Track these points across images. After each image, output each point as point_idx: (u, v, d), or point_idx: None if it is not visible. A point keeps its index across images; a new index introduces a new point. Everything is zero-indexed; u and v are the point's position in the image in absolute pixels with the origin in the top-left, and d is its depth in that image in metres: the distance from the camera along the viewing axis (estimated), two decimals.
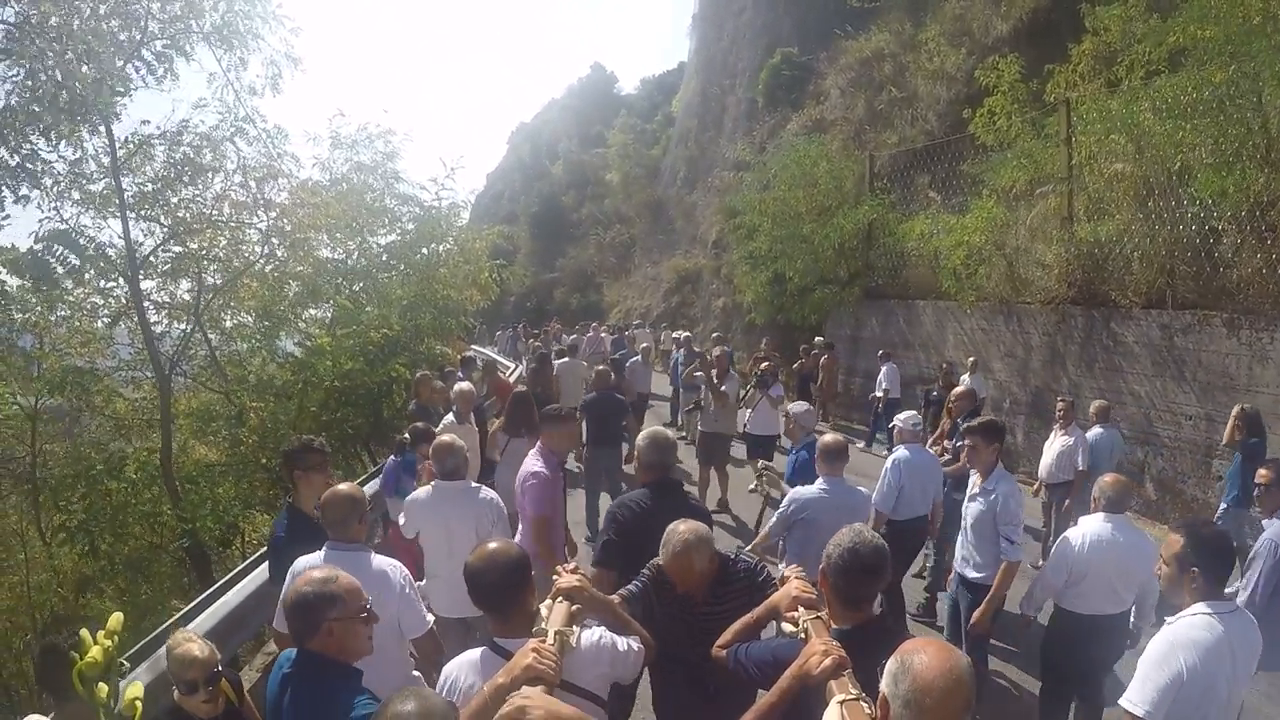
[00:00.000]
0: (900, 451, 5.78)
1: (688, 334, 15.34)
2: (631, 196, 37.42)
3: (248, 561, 5.74)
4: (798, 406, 6.65)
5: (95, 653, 2.61)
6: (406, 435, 6.31)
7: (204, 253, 10.06)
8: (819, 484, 4.75)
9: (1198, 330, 8.85)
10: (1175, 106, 9.16)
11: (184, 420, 10.28)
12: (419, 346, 11.44)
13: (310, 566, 3.10)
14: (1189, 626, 2.67)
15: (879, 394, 12.61)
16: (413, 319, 11.59)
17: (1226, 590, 4.20)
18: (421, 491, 4.54)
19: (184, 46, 9.32)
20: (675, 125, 36.61)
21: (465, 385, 7.61)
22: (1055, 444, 7.72)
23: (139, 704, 2.69)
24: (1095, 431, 7.63)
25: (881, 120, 18.44)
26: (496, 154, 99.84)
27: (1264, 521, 4.38)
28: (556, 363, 11.52)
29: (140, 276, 9.46)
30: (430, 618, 3.53)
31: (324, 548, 3.41)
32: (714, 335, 15.40)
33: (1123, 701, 2.70)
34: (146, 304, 9.83)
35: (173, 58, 9.34)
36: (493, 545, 2.51)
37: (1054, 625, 4.33)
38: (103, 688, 2.62)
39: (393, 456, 6.49)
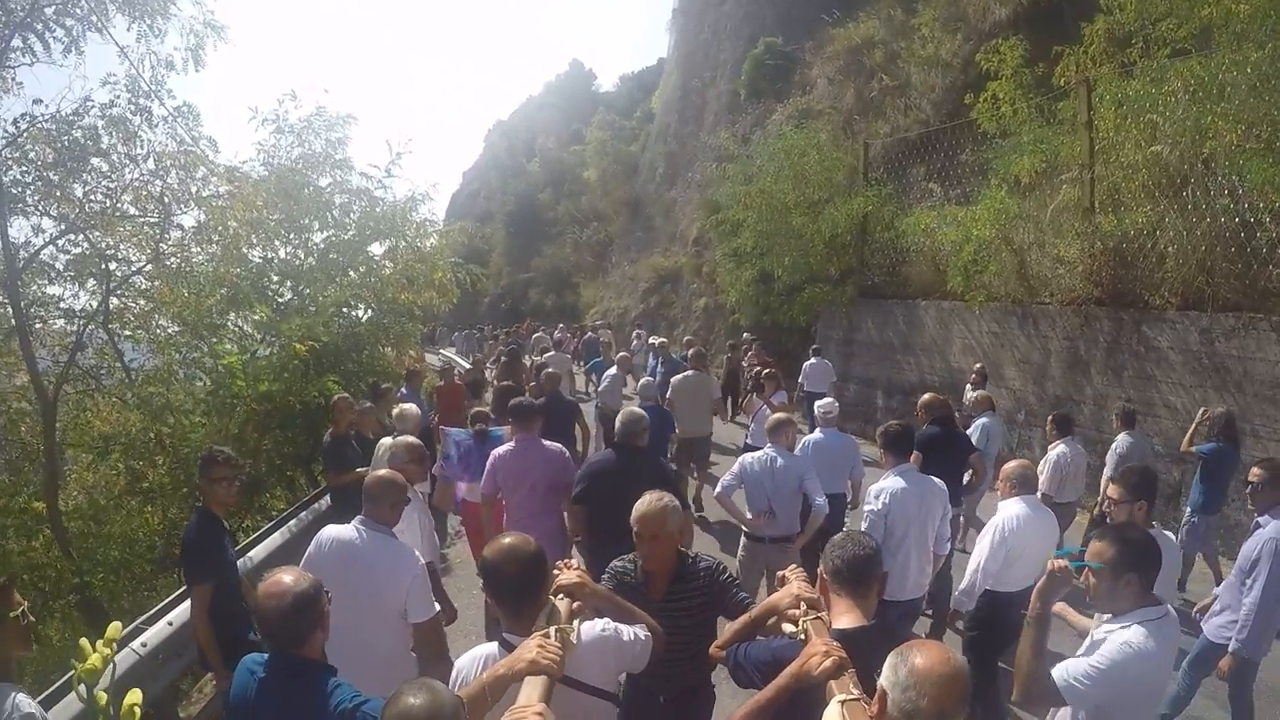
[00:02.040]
0: (814, 434, 6.53)
1: (663, 339, 14.09)
2: (609, 193, 36.39)
3: (180, 591, 5.44)
4: (646, 380, 8.32)
5: (94, 660, 2.55)
6: (486, 411, 6.66)
7: (112, 251, 8.72)
8: (766, 449, 5.47)
9: (1242, 334, 7.85)
10: (1208, 87, 8.23)
11: (73, 450, 8.89)
12: (361, 356, 10.09)
13: (336, 537, 3.54)
14: (1138, 636, 2.61)
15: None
16: (350, 326, 10.24)
17: (1204, 601, 4.81)
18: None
19: (89, 16, 8.07)
20: (654, 121, 35.51)
21: (408, 407, 6.80)
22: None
23: (137, 710, 2.58)
24: (981, 421, 7.87)
25: (873, 110, 17.39)
26: (474, 152, 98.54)
27: (1258, 519, 4.40)
28: (545, 356, 12.14)
29: (41, 280, 8.16)
30: (436, 606, 3.59)
31: (356, 519, 3.60)
32: (686, 339, 14.76)
33: (1061, 675, 2.65)
34: (56, 312, 8.56)
35: (80, 31, 8.10)
36: (509, 540, 2.47)
37: (983, 604, 4.53)
38: (101, 695, 2.56)
39: (468, 436, 6.53)
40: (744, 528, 5.48)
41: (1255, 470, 4.40)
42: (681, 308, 25.23)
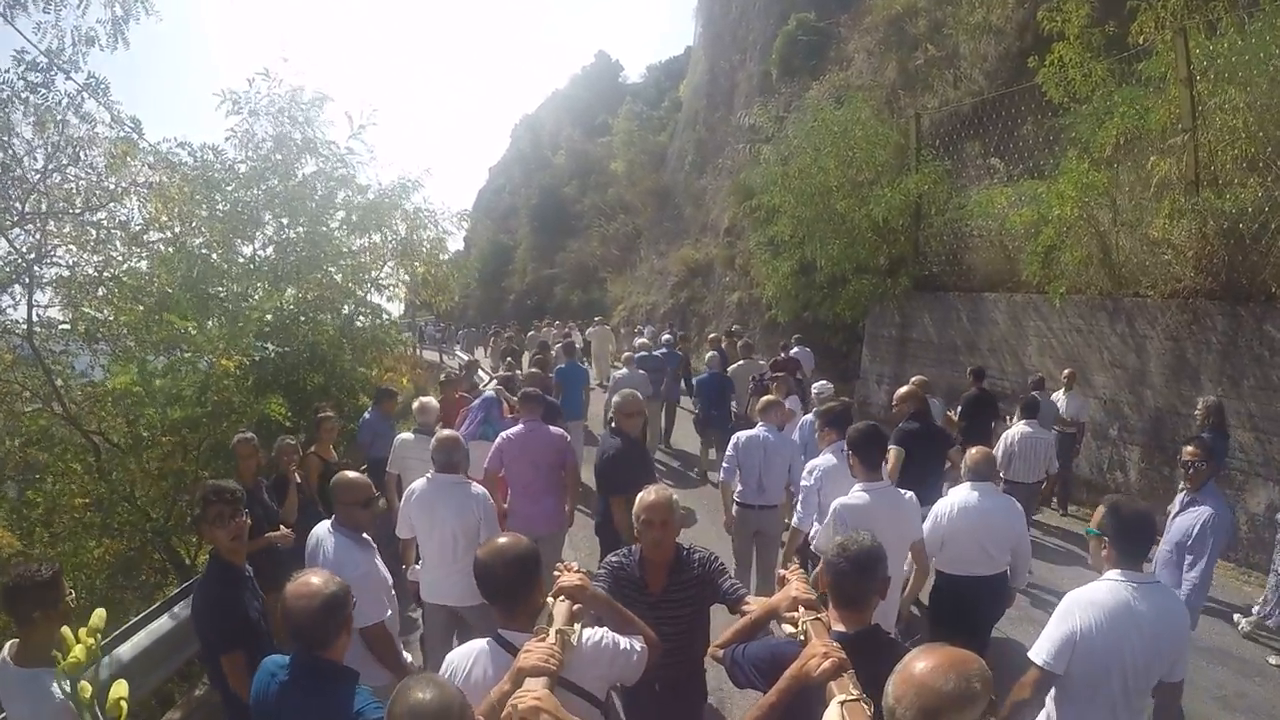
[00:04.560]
0: (809, 416, 6.68)
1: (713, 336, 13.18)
2: (636, 184, 35.15)
3: (180, 589, 5.32)
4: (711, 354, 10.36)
5: (78, 651, 2.46)
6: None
7: (31, 254, 7.63)
8: (758, 428, 5.83)
9: None
10: None
11: None
12: (333, 369, 8.81)
13: (314, 534, 3.88)
14: (1091, 589, 2.81)
15: None
16: (309, 335, 8.84)
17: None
18: (418, 483, 4.62)
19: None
20: (682, 109, 34.18)
21: (427, 400, 6.92)
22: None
23: (124, 704, 2.49)
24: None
25: (919, 83, 15.87)
26: (501, 148, 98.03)
27: (1188, 496, 4.43)
28: (556, 349, 12.08)
29: None
30: (389, 613, 3.65)
31: (330, 520, 3.86)
32: (711, 337, 14.04)
33: (1030, 654, 2.85)
34: None
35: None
36: (502, 539, 2.54)
37: (936, 586, 4.66)
38: (86, 687, 2.44)
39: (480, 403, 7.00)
40: (735, 498, 5.87)
41: (1189, 449, 4.47)
42: (714, 303, 23.85)
